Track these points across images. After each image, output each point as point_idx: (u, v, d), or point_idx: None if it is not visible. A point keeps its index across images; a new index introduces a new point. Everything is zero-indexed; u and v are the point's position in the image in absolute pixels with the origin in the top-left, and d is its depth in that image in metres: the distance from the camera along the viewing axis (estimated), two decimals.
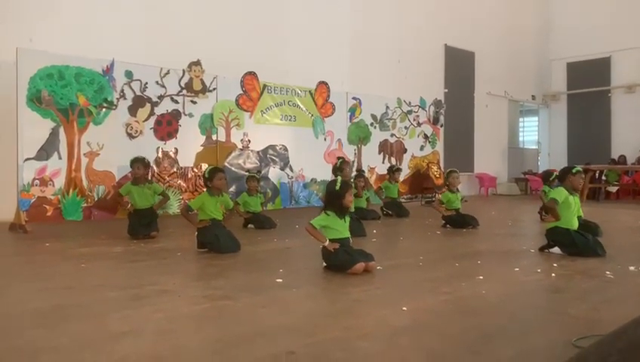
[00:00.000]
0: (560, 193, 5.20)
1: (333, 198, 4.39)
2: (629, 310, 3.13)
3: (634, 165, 14.44)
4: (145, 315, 3.07)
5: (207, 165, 8.96)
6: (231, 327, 2.86)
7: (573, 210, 5.24)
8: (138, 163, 6.50)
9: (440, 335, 2.75)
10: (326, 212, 4.37)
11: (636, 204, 12.05)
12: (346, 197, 4.35)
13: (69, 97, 7.49)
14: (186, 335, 2.74)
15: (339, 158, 8.28)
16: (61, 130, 7.45)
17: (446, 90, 13.87)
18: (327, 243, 4.29)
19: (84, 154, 7.67)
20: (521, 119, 18.07)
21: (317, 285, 3.98)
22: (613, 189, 13.70)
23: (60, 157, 7.44)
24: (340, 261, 4.22)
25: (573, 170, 5.33)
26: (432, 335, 2.76)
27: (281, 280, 3.94)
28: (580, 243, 5.06)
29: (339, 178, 4.47)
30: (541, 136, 18.23)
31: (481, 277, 4.05)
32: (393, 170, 9.76)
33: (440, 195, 7.86)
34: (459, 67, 14.26)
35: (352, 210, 4.88)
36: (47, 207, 7.30)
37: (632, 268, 4.39)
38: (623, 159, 15.04)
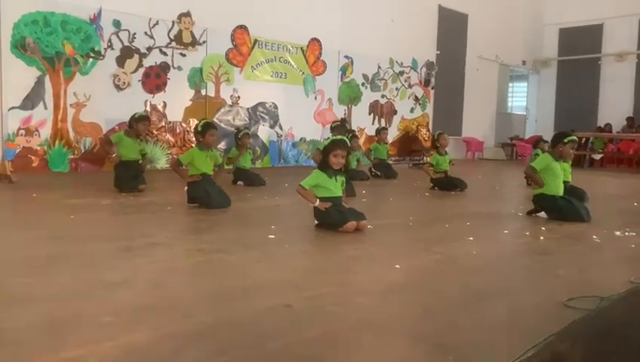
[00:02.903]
0: (541, 161, 5.22)
1: (322, 154, 4.40)
2: (617, 273, 3.21)
3: (619, 133, 14.57)
4: (138, 266, 3.06)
5: (195, 120, 8.86)
6: (227, 280, 2.87)
7: (559, 177, 5.22)
8: (146, 121, 6.50)
9: (434, 292, 2.79)
10: (320, 169, 4.35)
11: (620, 171, 12.22)
12: (330, 156, 4.31)
13: (54, 45, 7.27)
14: (181, 287, 2.74)
15: (342, 119, 8.28)
16: (47, 79, 7.27)
17: (438, 52, 13.71)
18: (317, 203, 4.28)
19: (71, 105, 7.51)
20: (510, 84, 18.02)
21: (310, 242, 4.00)
22: (598, 157, 13.84)
23: (45, 107, 7.29)
24: (332, 219, 4.23)
25: (566, 140, 5.21)
26: (426, 292, 2.79)
27: (273, 236, 3.94)
28: (565, 208, 5.11)
29: (333, 137, 4.46)
30: (529, 102, 18.24)
31: (471, 238, 4.09)
32: (380, 130, 9.72)
33: (429, 158, 7.86)
34: (451, 29, 14.05)
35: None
36: (33, 157, 7.19)
37: (617, 233, 4.46)
38: (608, 127, 15.15)
